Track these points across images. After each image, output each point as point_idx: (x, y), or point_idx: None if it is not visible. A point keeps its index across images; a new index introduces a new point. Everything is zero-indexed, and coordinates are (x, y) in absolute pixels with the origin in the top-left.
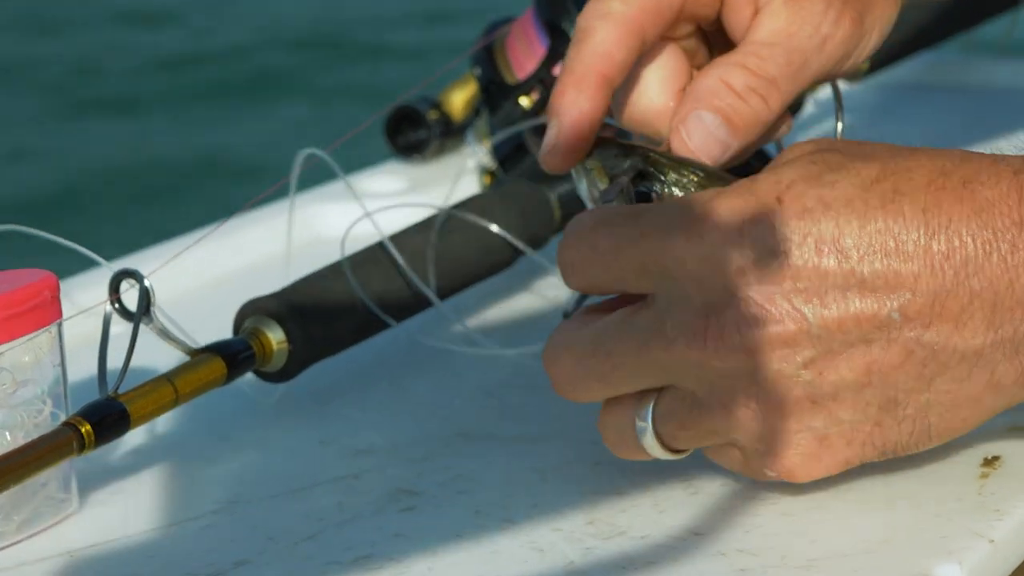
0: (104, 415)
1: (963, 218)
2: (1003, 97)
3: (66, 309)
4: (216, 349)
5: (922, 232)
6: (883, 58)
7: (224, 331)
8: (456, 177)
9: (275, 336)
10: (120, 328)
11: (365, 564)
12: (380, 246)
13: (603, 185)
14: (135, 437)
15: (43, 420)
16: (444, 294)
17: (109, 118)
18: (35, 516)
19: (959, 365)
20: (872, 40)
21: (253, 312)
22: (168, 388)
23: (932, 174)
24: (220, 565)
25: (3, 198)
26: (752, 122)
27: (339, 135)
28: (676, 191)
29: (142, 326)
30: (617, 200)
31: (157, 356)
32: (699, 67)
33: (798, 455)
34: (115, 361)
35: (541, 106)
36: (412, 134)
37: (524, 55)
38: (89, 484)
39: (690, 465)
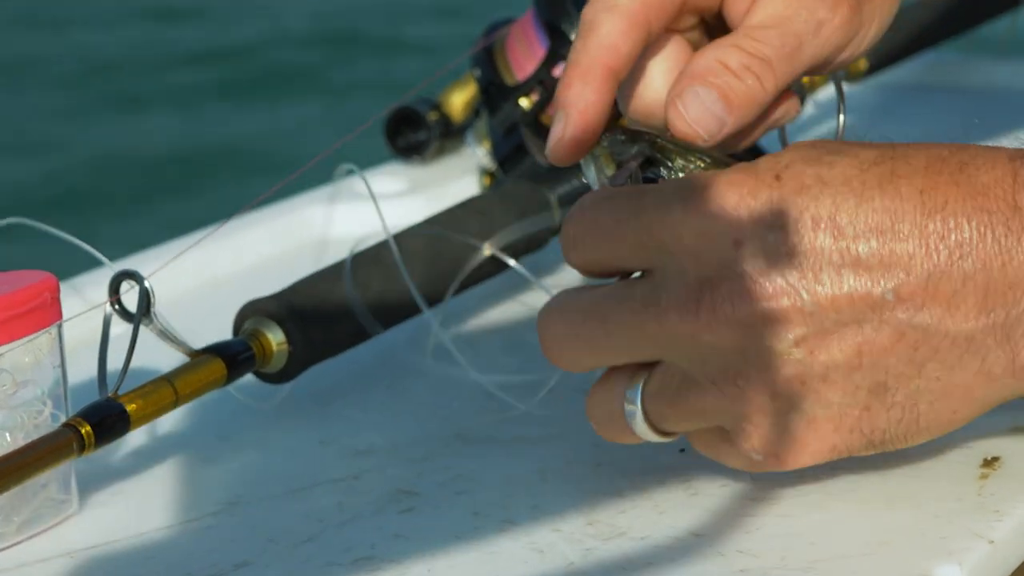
0: (104, 416)
1: (959, 200)
2: (1003, 97)
3: (66, 309)
4: (216, 350)
5: (918, 213)
6: (883, 58)
7: (224, 332)
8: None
9: (275, 337)
10: (120, 329)
11: (365, 565)
12: (380, 247)
13: (610, 171)
14: (135, 438)
15: (43, 421)
16: (440, 296)
17: (124, 113)
18: (35, 517)
19: (950, 350)
20: (871, 31)
21: (253, 313)
22: (168, 389)
23: (930, 159)
24: (220, 566)
25: (12, 191)
26: (747, 100)
27: (352, 130)
28: (682, 177)
29: (142, 327)
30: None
31: (157, 357)
32: None
33: (786, 437)
34: (115, 362)
35: (541, 107)
36: (412, 135)
37: (524, 56)
38: (89, 485)
39: (690, 466)
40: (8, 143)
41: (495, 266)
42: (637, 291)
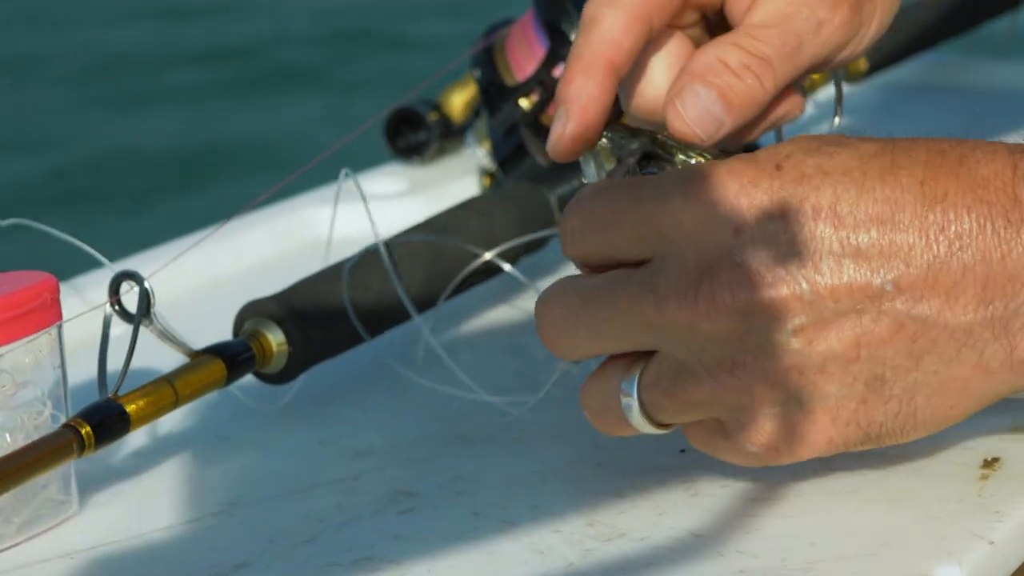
0: (104, 417)
1: (959, 192)
2: (1003, 97)
3: (66, 310)
4: (216, 351)
5: (918, 204)
6: (883, 58)
7: (224, 333)
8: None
9: (275, 338)
10: (120, 330)
11: (365, 565)
12: (378, 249)
13: (610, 167)
14: (135, 439)
15: (43, 422)
16: (438, 298)
17: (128, 110)
18: (35, 518)
19: (948, 342)
20: (871, 30)
21: (253, 314)
22: (168, 390)
23: (930, 152)
24: (220, 567)
25: (16, 188)
26: (747, 100)
27: (355, 129)
28: (682, 167)
29: (142, 328)
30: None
31: (157, 358)
32: None
33: (781, 429)
34: (115, 363)
35: (541, 108)
36: (412, 136)
37: (524, 57)
38: (89, 486)
39: (690, 467)
40: (13, 140)
41: (493, 268)
42: (636, 278)
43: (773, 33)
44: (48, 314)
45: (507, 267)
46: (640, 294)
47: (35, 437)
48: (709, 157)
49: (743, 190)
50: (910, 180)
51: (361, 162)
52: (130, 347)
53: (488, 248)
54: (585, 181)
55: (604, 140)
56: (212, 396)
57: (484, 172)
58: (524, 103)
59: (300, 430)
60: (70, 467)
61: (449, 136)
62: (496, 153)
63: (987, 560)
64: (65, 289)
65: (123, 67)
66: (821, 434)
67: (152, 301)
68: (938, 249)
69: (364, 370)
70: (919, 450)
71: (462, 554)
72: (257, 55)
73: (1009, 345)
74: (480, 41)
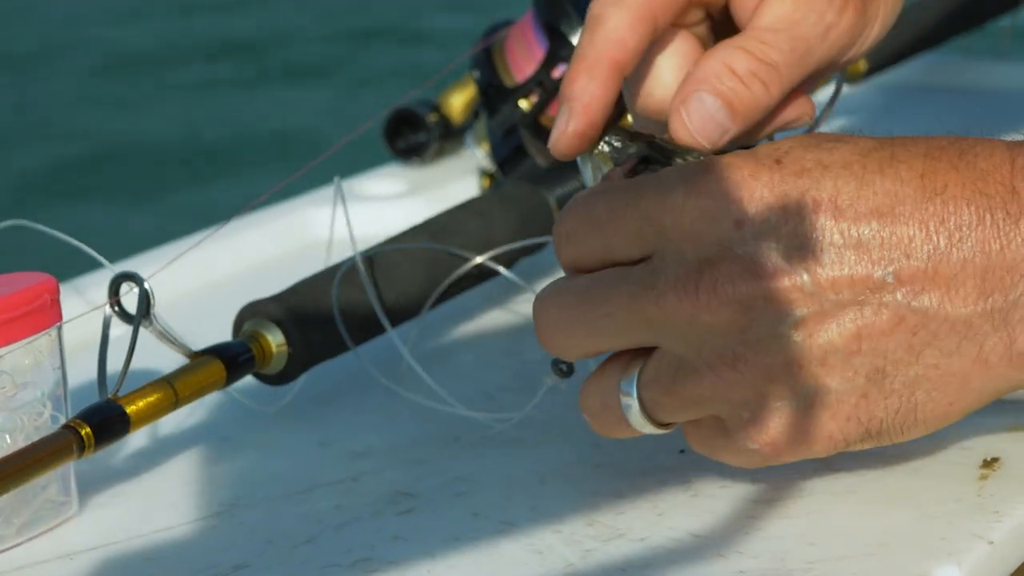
0: (104, 417)
1: (959, 185)
2: (1003, 97)
3: (66, 311)
4: (216, 352)
5: (918, 196)
6: (883, 59)
7: (224, 334)
8: (455, 179)
9: (274, 339)
10: (120, 331)
11: (364, 567)
12: (379, 250)
13: (607, 170)
14: (135, 440)
15: (43, 423)
16: (435, 300)
17: (138, 105)
18: (35, 519)
19: (948, 335)
20: (874, 30)
21: (252, 315)
22: (168, 390)
23: (929, 147)
24: (219, 568)
25: (27, 180)
26: (752, 107)
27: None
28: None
29: (142, 328)
30: None
31: (157, 359)
32: None
33: (782, 424)
34: (115, 364)
35: (540, 109)
36: (411, 137)
37: (523, 58)
38: (89, 487)
39: (689, 467)
40: (18, 135)
41: (490, 271)
42: (635, 274)
43: (782, 38)
44: (48, 315)
45: (503, 271)
46: (640, 290)
47: (35, 438)
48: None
49: (744, 184)
50: (909, 173)
51: (361, 163)
52: (130, 348)
53: (487, 250)
54: (583, 184)
55: (602, 145)
56: (212, 397)
57: (483, 173)
58: (523, 104)
59: (299, 431)
60: (70, 468)
61: (448, 137)
62: (495, 154)
63: (986, 560)
64: (65, 290)
65: (129, 62)
66: (822, 429)
67: (152, 302)
68: (938, 241)
69: (363, 371)
70: (918, 450)
71: (461, 555)
72: (265, 50)
73: (1008, 338)
74: (479, 42)
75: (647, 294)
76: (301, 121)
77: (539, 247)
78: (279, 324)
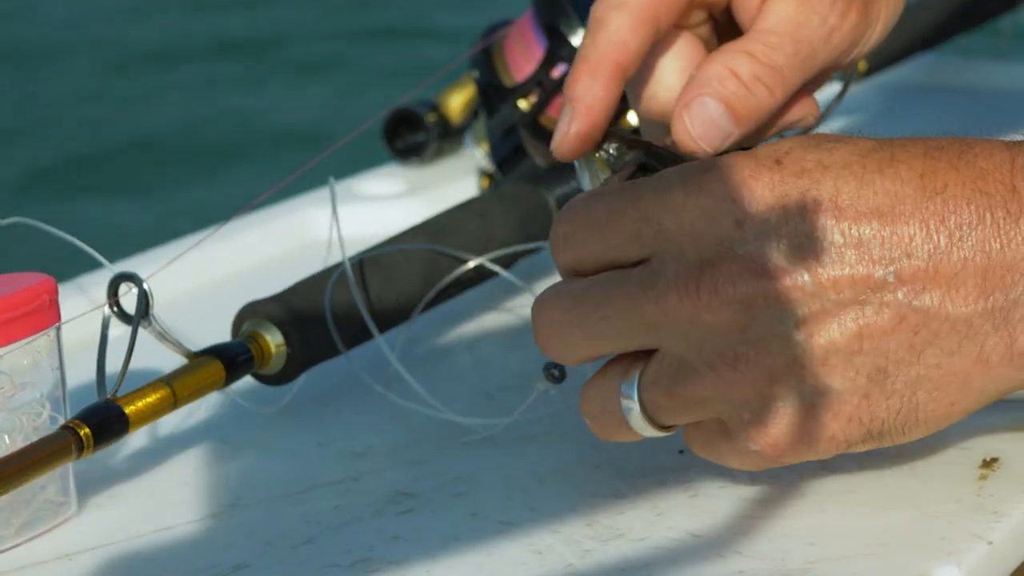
0: (103, 418)
1: (959, 184)
2: (1003, 97)
3: (65, 311)
4: (215, 352)
5: (918, 195)
6: (883, 59)
7: (223, 334)
8: (454, 179)
9: (274, 339)
10: (119, 331)
11: (363, 567)
12: (379, 250)
13: (605, 177)
14: (134, 440)
15: (42, 423)
16: (433, 301)
17: (145, 99)
18: (34, 520)
19: (949, 334)
20: (876, 32)
21: (251, 315)
22: (167, 391)
23: (928, 147)
24: (219, 568)
25: (38, 173)
26: (755, 111)
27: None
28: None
29: (141, 329)
30: None
31: (156, 359)
32: None
33: (784, 425)
34: (114, 364)
35: (539, 109)
36: (410, 137)
37: (522, 57)
38: (88, 487)
39: (688, 468)
40: (25, 130)
41: (488, 272)
42: (634, 276)
43: (786, 41)
44: (47, 316)
45: (502, 271)
46: (639, 292)
47: (34, 439)
48: None
49: (744, 184)
50: (909, 173)
51: (360, 163)
52: (129, 348)
53: (486, 250)
54: (581, 191)
55: (600, 152)
56: (211, 397)
57: (482, 173)
58: (522, 104)
59: (299, 431)
60: (69, 468)
61: (447, 137)
62: (494, 154)
63: (986, 560)
64: (65, 288)
65: (132, 59)
66: (824, 430)
67: (151, 302)
68: (938, 240)
69: (364, 371)
70: (917, 450)
71: (461, 555)
72: (269, 47)
73: (1009, 337)
74: (479, 42)
75: (647, 295)
76: (305, 118)
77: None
78: (278, 324)
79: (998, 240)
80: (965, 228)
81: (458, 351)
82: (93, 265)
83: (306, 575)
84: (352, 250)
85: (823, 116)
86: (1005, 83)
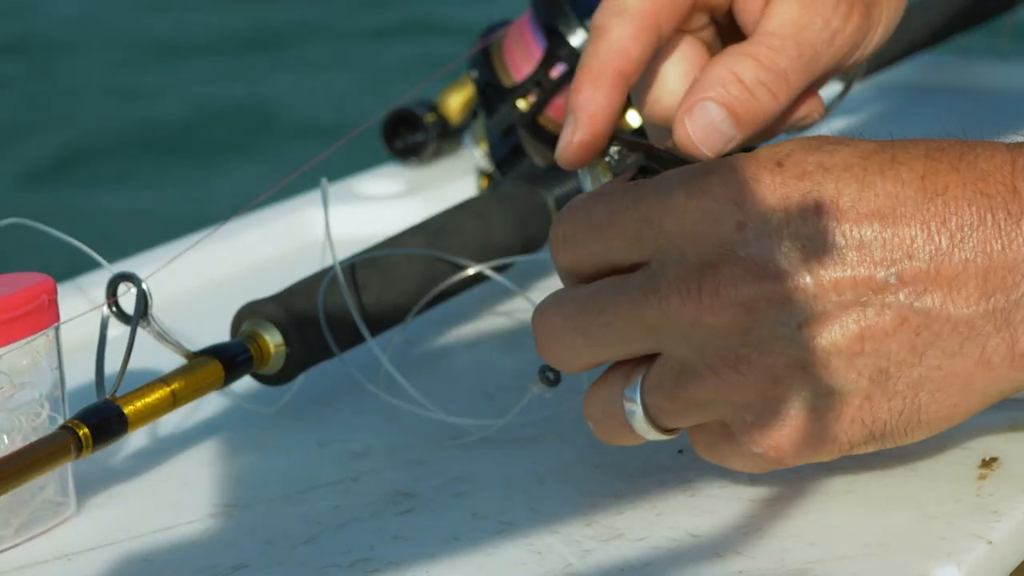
0: (102, 418)
1: (959, 185)
2: (1003, 97)
3: (64, 311)
4: (214, 352)
5: (919, 197)
6: (883, 59)
7: (222, 334)
8: (453, 180)
9: (273, 339)
10: (118, 331)
11: (363, 567)
12: (378, 251)
13: (606, 179)
14: (133, 440)
15: (41, 423)
16: (430, 302)
17: (163, 89)
18: (33, 520)
19: (951, 336)
20: (877, 35)
21: (251, 315)
22: (166, 391)
23: (929, 149)
24: (218, 569)
25: (58, 156)
26: (758, 116)
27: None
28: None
29: (140, 329)
30: None
31: (155, 359)
32: None
33: (786, 427)
34: (113, 364)
35: (538, 108)
36: (409, 137)
37: (521, 58)
38: (87, 487)
39: (688, 468)
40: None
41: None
42: (635, 281)
43: (790, 44)
44: (46, 316)
45: (497, 277)
46: (641, 296)
47: (33, 439)
48: None
49: (746, 186)
50: (910, 175)
51: (360, 163)
52: (128, 348)
53: (485, 250)
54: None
55: (602, 157)
56: (210, 397)
57: (481, 173)
58: (521, 104)
59: (298, 431)
60: (68, 468)
61: (446, 137)
62: (493, 154)
63: (985, 560)
64: (63, 289)
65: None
66: (826, 432)
67: (150, 302)
68: (940, 241)
69: (361, 371)
70: (917, 450)
71: (461, 555)
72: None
73: (1011, 338)
74: (478, 42)
75: (648, 300)
76: (319, 112)
77: (538, 246)
78: (277, 324)
79: (999, 241)
80: (966, 229)
81: (457, 351)
82: (92, 265)
83: (306, 575)
84: (351, 250)
85: (828, 110)
86: (1005, 83)
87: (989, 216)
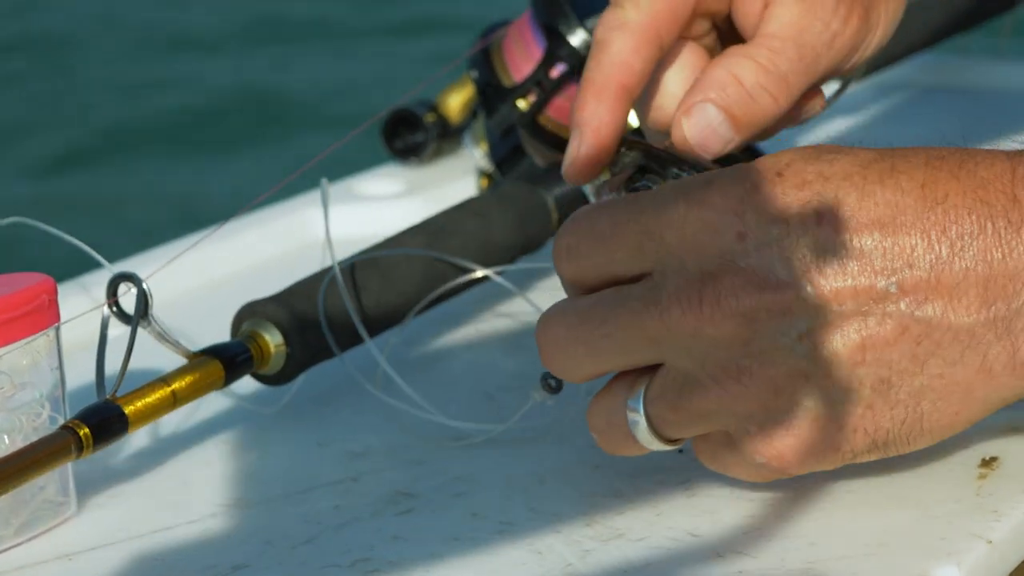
0: (102, 418)
1: (959, 194)
2: (1003, 97)
3: (64, 311)
4: (214, 352)
5: (919, 206)
6: (882, 59)
7: (222, 334)
8: (453, 180)
9: (273, 339)
10: (118, 331)
11: (363, 567)
12: (378, 251)
13: (604, 178)
14: (133, 440)
15: (41, 423)
16: (431, 302)
17: (178, 79)
18: (33, 520)
19: (952, 345)
20: (876, 37)
21: (251, 315)
22: (166, 391)
23: (929, 157)
24: (218, 569)
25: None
26: (757, 119)
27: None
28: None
29: (140, 329)
30: (617, 194)
31: (155, 359)
32: None
33: (789, 436)
34: (113, 364)
35: (538, 109)
36: (409, 137)
37: (521, 58)
38: (87, 487)
39: (688, 468)
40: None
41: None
42: (637, 291)
43: (790, 46)
44: (46, 316)
45: (497, 278)
46: (642, 307)
47: (33, 439)
48: (702, 171)
49: (746, 196)
50: (910, 183)
51: (360, 163)
52: (128, 348)
53: (485, 250)
54: (582, 192)
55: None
56: (210, 397)
57: (481, 173)
58: (521, 104)
59: (298, 431)
60: (68, 468)
61: (446, 137)
62: (493, 154)
63: (985, 560)
64: (64, 289)
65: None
66: (828, 441)
67: (150, 302)
68: (940, 250)
69: (361, 371)
70: (917, 450)
71: (461, 555)
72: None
73: (1012, 346)
74: (478, 42)
75: (649, 311)
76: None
77: (538, 246)
78: (277, 324)
79: (999, 250)
80: (966, 238)
81: (457, 351)
82: (93, 265)
83: (306, 575)
84: (351, 250)
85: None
86: (1005, 83)
87: (989, 224)
